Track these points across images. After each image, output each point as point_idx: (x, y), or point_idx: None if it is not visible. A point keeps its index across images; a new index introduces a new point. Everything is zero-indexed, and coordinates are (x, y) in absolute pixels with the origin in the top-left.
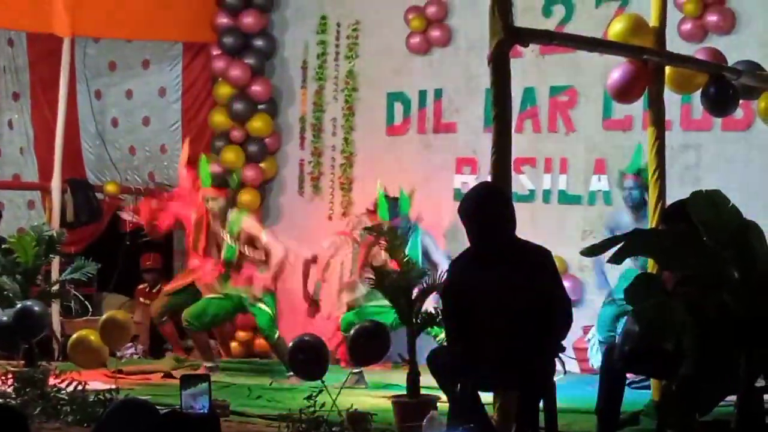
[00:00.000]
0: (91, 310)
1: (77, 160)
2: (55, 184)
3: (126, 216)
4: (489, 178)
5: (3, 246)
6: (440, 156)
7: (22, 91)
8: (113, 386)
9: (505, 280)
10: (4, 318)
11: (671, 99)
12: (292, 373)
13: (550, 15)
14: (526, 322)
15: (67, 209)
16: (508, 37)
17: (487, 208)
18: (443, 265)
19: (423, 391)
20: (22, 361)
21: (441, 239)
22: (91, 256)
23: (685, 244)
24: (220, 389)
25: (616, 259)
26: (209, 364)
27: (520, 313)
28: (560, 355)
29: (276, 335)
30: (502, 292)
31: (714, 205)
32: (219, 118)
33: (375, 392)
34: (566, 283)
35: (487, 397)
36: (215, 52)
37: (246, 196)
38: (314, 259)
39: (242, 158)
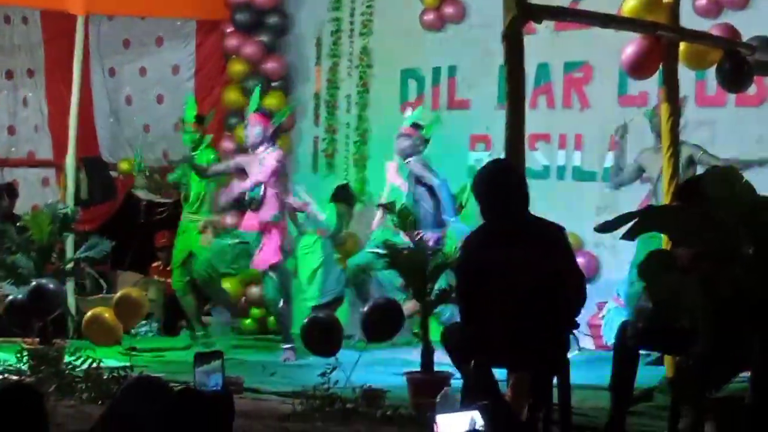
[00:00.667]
0: (105, 287)
1: (91, 137)
2: (70, 161)
3: (140, 194)
4: (503, 155)
5: (18, 224)
6: (454, 133)
7: (36, 68)
8: (128, 364)
9: (515, 258)
10: (19, 296)
11: (686, 75)
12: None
13: None
14: (535, 300)
15: (81, 187)
16: (521, 13)
17: (499, 185)
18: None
19: (437, 368)
20: (37, 339)
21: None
22: (106, 234)
23: (699, 220)
24: (234, 366)
25: (630, 236)
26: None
27: (530, 291)
28: (574, 331)
29: (280, 304)
30: (512, 270)
31: (728, 181)
32: (232, 96)
33: (389, 368)
34: (581, 260)
35: (501, 373)
36: (228, 29)
37: None
38: (298, 206)
39: None
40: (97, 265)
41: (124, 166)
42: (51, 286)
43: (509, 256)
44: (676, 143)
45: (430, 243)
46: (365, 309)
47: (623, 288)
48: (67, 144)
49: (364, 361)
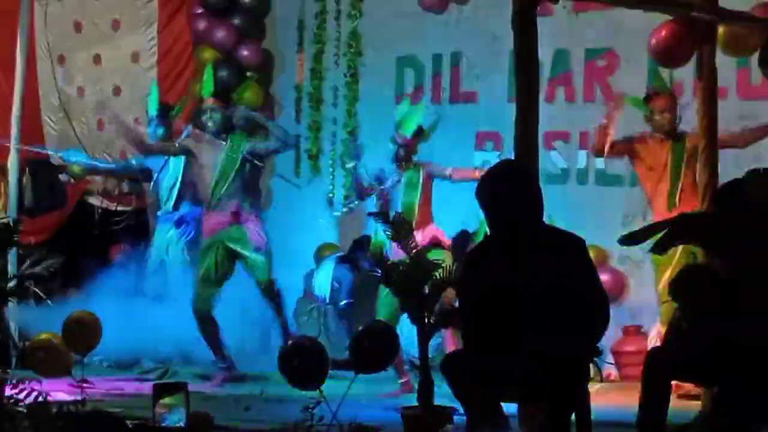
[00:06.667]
0: None
1: (37, 136)
2: (12, 164)
3: (95, 201)
4: (514, 155)
5: None
6: (458, 130)
7: None
8: (79, 398)
9: (527, 274)
10: None
11: (725, 63)
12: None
13: None
14: (550, 324)
15: (25, 193)
16: None
17: (508, 190)
18: None
19: (437, 402)
20: None
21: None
22: (54, 248)
23: (740, 229)
24: (202, 400)
25: (660, 248)
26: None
27: (544, 313)
28: (595, 359)
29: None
30: (523, 288)
31: None
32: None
33: (382, 403)
34: (605, 277)
35: (511, 408)
36: (197, 10)
37: None
38: None
39: None
40: (44, 283)
41: (75, 168)
42: None
43: (520, 272)
44: (713, 141)
45: None
46: (356, 334)
47: None
48: (9, 143)
49: (353, 393)
